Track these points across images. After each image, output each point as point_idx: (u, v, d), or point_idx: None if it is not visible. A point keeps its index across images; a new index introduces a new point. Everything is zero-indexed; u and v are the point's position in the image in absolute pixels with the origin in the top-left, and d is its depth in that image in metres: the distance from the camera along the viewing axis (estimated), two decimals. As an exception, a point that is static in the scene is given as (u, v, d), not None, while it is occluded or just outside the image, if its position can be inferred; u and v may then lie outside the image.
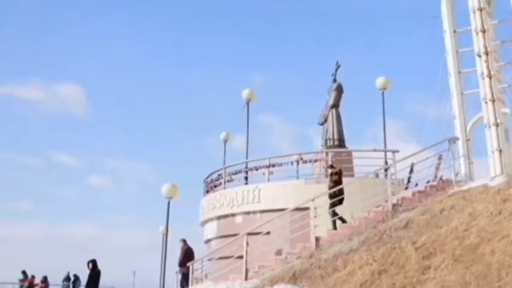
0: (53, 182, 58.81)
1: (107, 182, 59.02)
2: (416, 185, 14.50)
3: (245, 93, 20.39)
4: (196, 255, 15.10)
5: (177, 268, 15.21)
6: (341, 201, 12.64)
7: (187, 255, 14.86)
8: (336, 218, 12.67)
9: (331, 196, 12.66)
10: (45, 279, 22.55)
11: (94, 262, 14.36)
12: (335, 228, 12.55)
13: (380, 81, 18.76)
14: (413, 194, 12.86)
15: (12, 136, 56.77)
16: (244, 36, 59.33)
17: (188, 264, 13.91)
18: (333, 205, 12.64)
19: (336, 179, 13.01)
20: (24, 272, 23.39)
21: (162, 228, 20.97)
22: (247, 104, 20.25)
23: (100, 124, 57.46)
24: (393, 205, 12.13)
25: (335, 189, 12.69)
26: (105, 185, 58.06)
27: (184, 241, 15.31)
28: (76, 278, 26.42)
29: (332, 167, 13.70)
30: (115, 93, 58.01)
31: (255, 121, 20.23)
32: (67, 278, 26.19)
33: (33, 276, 22.20)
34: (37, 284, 22.28)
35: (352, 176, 15.74)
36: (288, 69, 60.22)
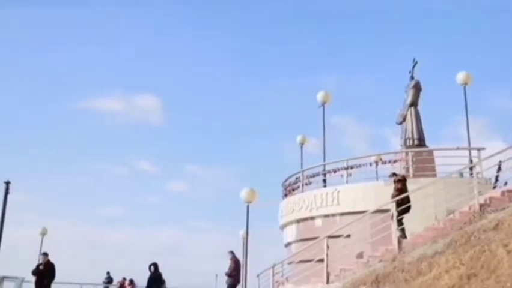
0: (137, 189, 61.46)
1: (186, 188, 60.81)
2: (505, 183, 13.72)
3: (320, 95, 20.27)
4: (276, 259, 15.19)
5: (257, 271, 15.38)
6: (407, 210, 12.14)
7: (237, 267, 15.17)
8: (403, 226, 12.17)
9: (397, 205, 12.25)
10: (131, 282, 23.53)
11: (155, 265, 14.94)
12: (404, 236, 12.10)
13: (460, 76, 17.96)
14: (502, 193, 12.17)
15: (95, 147, 59.97)
16: (315, 38, 59.08)
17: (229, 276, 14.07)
18: (400, 213, 12.23)
19: (400, 186, 12.54)
20: (108, 273, 24.50)
21: (242, 232, 21.27)
22: (323, 106, 20.12)
23: (176, 132, 59.38)
24: (481, 205, 11.55)
25: (399, 197, 12.27)
26: (184, 191, 59.85)
27: (232, 253, 15.55)
28: (163, 280, 27.43)
29: (394, 174, 13.30)
30: (190, 101, 59.74)
31: (328, 123, 20.01)
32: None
33: (124, 279, 23.28)
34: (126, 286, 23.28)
35: (434, 175, 15.20)
36: (359, 69, 59.20)
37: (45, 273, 13.62)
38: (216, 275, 29.35)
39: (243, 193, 16.56)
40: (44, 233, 25.44)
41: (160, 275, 15.04)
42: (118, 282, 23.31)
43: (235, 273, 15.22)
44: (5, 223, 10.88)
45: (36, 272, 13.72)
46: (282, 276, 15.54)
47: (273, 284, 13.76)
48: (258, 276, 15.59)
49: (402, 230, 12.10)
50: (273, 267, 14.05)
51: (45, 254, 14.08)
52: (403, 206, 11.97)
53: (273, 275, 13.96)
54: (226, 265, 16.01)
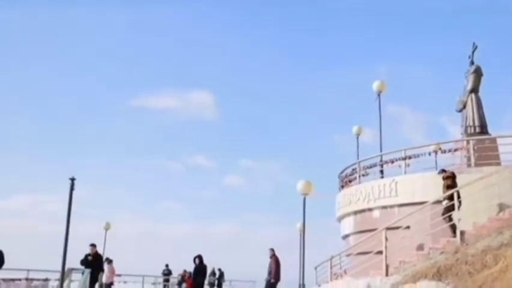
0: (193, 184, 62.66)
1: (241, 182, 61.43)
2: None
3: (376, 84, 19.86)
4: (334, 251, 15.08)
5: (315, 264, 15.35)
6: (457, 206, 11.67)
7: (277, 266, 15.15)
8: (452, 222, 11.73)
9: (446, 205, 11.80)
10: (190, 275, 24.04)
11: (200, 257, 15.05)
12: (454, 234, 11.65)
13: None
14: None
15: (152, 143, 61.51)
16: (367, 29, 57.95)
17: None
18: (447, 210, 11.79)
19: (449, 183, 12.14)
20: (167, 266, 25.10)
21: (299, 224, 21.28)
22: (378, 95, 19.72)
23: (230, 126, 60.02)
24: (550, 195, 11.00)
25: (447, 193, 11.82)
26: (239, 185, 60.47)
27: (273, 250, 15.54)
28: (221, 273, 27.81)
29: (443, 171, 12.84)
30: (242, 96, 60.21)
31: (384, 112, 19.58)
32: (212, 273, 27.69)
33: (185, 271, 23.84)
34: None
35: (498, 164, 14.58)
36: (412, 58, 57.62)
37: (93, 263, 13.93)
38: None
39: (299, 185, 16.54)
40: (107, 228, 26.44)
41: (205, 267, 15.22)
42: (179, 274, 23.89)
43: (275, 272, 15.32)
44: (71, 218, 11.33)
45: (85, 262, 14.02)
46: (340, 268, 15.41)
47: (330, 276, 13.68)
48: (315, 268, 15.55)
49: (452, 227, 11.73)
50: (330, 260, 13.97)
51: (94, 245, 14.40)
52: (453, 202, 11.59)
53: (331, 267, 13.87)
54: (283, 258, 15.96)
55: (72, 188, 11.28)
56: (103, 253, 24.57)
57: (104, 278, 20.27)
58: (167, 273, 24.30)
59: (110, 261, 20.76)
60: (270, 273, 15.41)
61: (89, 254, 14.09)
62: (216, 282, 27.50)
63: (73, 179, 11.32)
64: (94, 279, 14.12)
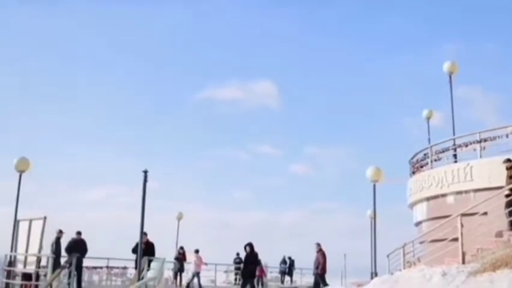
0: (260, 173, 63.22)
1: (307, 170, 61.23)
2: None
3: (446, 65, 19.11)
4: (406, 238, 14.74)
5: (387, 252, 15.06)
6: None
7: (324, 260, 15.31)
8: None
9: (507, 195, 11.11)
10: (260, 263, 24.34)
11: (251, 245, 14.93)
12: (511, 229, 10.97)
13: None
14: None
15: (219, 134, 62.54)
16: (429, 9, 55.68)
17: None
18: (509, 205, 11.09)
19: None
20: (238, 254, 25.44)
21: (369, 212, 20.97)
22: (450, 77, 18.96)
23: (294, 114, 59.87)
24: None
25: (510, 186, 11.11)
26: (306, 173, 60.32)
27: (319, 245, 15.34)
28: (292, 261, 27.93)
29: (509, 160, 12.08)
30: (305, 84, 59.80)
31: (454, 95, 18.82)
32: (283, 261, 27.87)
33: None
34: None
35: None
36: (483, 35, 54.72)
37: (145, 252, 13.77)
38: (344, 255, 29.36)
39: (369, 172, 16.27)
40: (179, 218, 27.25)
41: (256, 255, 15.09)
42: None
43: (323, 265, 15.35)
44: (145, 209, 11.76)
45: (136, 250, 13.95)
46: (413, 256, 15.05)
47: (403, 264, 13.38)
48: (387, 256, 15.25)
49: (510, 223, 11.11)
50: (403, 247, 13.66)
51: (145, 234, 14.14)
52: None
53: (404, 255, 13.56)
54: (354, 245, 15.89)
55: (145, 180, 11.67)
56: (176, 243, 25.43)
57: (192, 267, 21.05)
58: (238, 261, 24.69)
59: (197, 251, 21.49)
60: (317, 267, 15.44)
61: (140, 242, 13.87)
62: (287, 270, 27.65)
63: (145, 172, 11.71)
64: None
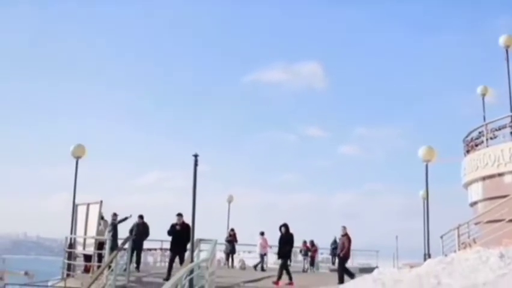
0: (309, 155, 63.06)
1: (356, 151, 60.59)
2: None
3: (502, 39, 18.31)
4: (461, 219, 14.39)
5: (440, 233, 14.78)
6: None
7: (349, 244, 15.27)
8: None
9: None
10: (312, 243, 24.34)
11: (286, 226, 14.80)
12: None
13: None
14: None
15: (266, 117, 62.66)
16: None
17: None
18: None
19: None
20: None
21: (422, 192, 20.54)
22: (506, 51, 18.16)
23: (341, 96, 59.11)
24: None
25: None
26: (355, 154, 59.69)
27: (345, 228, 15.45)
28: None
29: None
30: (351, 65, 58.84)
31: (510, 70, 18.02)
32: (334, 242, 27.76)
33: (305, 241, 24.22)
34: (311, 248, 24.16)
35: None
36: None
37: (181, 233, 13.88)
38: (396, 237, 28.94)
39: (421, 152, 15.93)
40: (230, 200, 27.59)
41: (291, 235, 15.00)
42: (303, 244, 24.33)
43: (348, 249, 15.47)
44: (197, 193, 11.97)
45: (172, 232, 14.06)
46: (468, 237, 14.67)
47: (458, 246, 13.09)
48: (441, 237, 14.94)
49: None
50: (458, 228, 13.35)
51: (181, 215, 14.22)
52: None
53: (458, 236, 13.27)
54: (406, 226, 15.70)
55: (196, 164, 11.84)
56: (227, 225, 25.79)
57: (258, 249, 21.44)
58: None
59: (262, 233, 21.83)
60: (342, 249, 15.39)
61: (176, 224, 14.10)
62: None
63: (196, 156, 11.87)
64: (181, 249, 14.17)
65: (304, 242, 24.19)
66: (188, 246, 12.57)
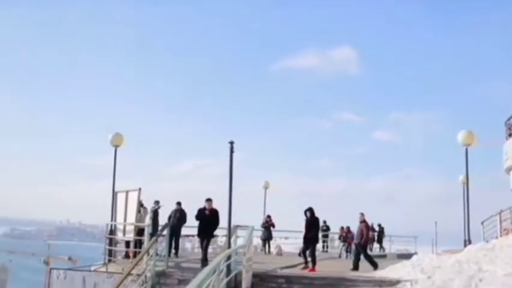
0: (344, 140, 62.51)
1: (392, 136, 59.64)
2: None
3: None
4: (502, 205, 14.05)
5: (481, 218, 14.48)
6: None
7: (367, 231, 15.23)
8: None
9: None
10: (349, 230, 24.21)
11: (311, 210, 14.54)
12: None
13: None
14: None
15: (300, 103, 62.28)
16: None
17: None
18: None
19: None
20: (325, 222, 25.42)
21: (461, 177, 20.11)
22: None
23: (376, 80, 58.12)
24: None
25: None
26: (391, 139, 58.79)
27: (363, 215, 15.27)
28: (382, 228, 27.50)
29: None
30: (385, 49, 57.71)
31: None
32: (372, 229, 27.53)
33: (342, 227, 24.13)
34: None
35: None
36: None
37: (210, 218, 13.78)
38: (435, 222, 28.45)
39: (461, 136, 15.59)
40: (266, 187, 27.66)
41: (317, 220, 14.76)
42: (341, 229, 24.24)
43: (366, 236, 15.28)
44: (233, 180, 12.04)
45: (200, 216, 13.86)
46: (511, 223, 14.32)
47: (500, 232, 12.82)
48: (482, 223, 14.65)
49: None
50: (499, 214, 13.05)
51: (210, 200, 14.05)
52: None
53: (500, 222, 12.99)
54: (444, 212, 15.44)
55: (232, 151, 11.91)
56: (263, 211, 25.91)
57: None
58: (325, 229, 24.79)
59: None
60: (360, 237, 15.19)
61: (204, 209, 13.93)
62: (376, 237, 27.33)
63: (231, 142, 11.93)
64: (209, 235, 14.16)
65: (342, 228, 24.09)
66: (225, 232, 12.68)
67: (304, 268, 14.20)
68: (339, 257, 22.93)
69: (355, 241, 15.85)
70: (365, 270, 14.09)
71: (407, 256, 18.43)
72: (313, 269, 14.08)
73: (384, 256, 23.05)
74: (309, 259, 14.42)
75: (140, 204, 15.91)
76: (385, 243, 27.68)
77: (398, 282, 12.04)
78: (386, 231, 27.89)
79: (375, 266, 14.70)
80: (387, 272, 13.63)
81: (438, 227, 28.05)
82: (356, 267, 14.72)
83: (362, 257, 15.09)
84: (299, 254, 20.72)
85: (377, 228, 27.45)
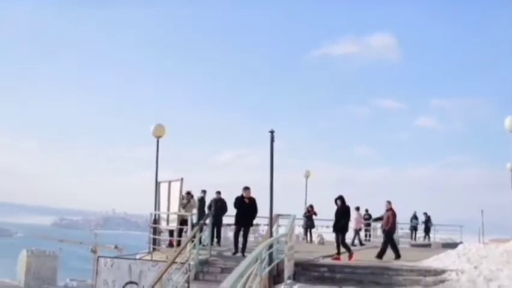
0: (384, 128, 61.41)
1: (434, 123, 58.23)
2: None
3: None
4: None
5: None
6: None
7: (394, 220, 15.00)
8: None
9: None
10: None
11: (342, 198, 14.22)
12: None
13: None
14: None
15: (339, 91, 61.48)
16: None
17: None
18: None
19: None
20: (367, 211, 25.15)
21: (509, 164, 19.51)
22: None
23: (416, 67, 56.67)
24: None
25: None
26: (433, 126, 57.38)
27: (390, 203, 15.08)
28: (428, 217, 26.95)
29: None
30: (426, 35, 56.07)
31: None
32: (414, 217, 27.06)
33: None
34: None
35: None
36: None
37: (249, 207, 13.70)
38: (482, 211, 27.72)
39: (508, 122, 15.10)
40: (307, 175, 27.56)
41: (348, 208, 14.41)
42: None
43: (392, 223, 15.06)
44: (273, 169, 12.06)
45: (239, 205, 13.76)
46: None
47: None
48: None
49: None
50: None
51: (248, 188, 13.88)
52: None
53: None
54: (490, 200, 14.98)
55: (272, 140, 11.92)
56: (305, 200, 25.84)
57: (353, 224, 21.54)
58: (367, 217, 24.54)
59: (357, 208, 21.88)
60: (387, 224, 14.97)
61: (242, 197, 13.80)
62: (423, 226, 26.85)
63: (272, 132, 11.93)
64: (248, 223, 14.10)
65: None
66: (267, 221, 12.74)
67: (335, 258, 14.02)
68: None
69: (383, 228, 15.71)
70: (408, 260, 13.89)
71: (452, 245, 18.05)
72: (351, 257, 14.01)
73: (428, 245, 22.66)
74: (343, 249, 14.31)
75: (189, 194, 16.16)
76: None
77: (443, 271, 11.83)
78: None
79: (398, 255, 14.44)
80: (432, 261, 13.40)
81: (484, 216, 27.33)
82: (380, 255, 14.57)
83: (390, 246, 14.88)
84: (352, 244, 20.51)
85: (423, 218, 26.96)
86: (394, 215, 15.17)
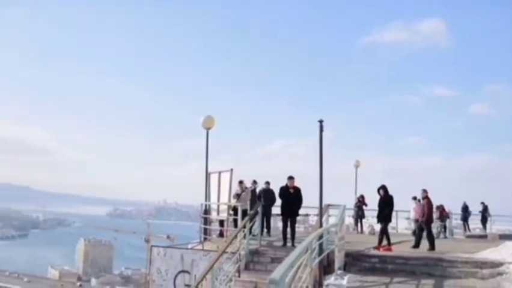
0: (436, 116, 59.69)
1: (489, 110, 56.05)
2: None
3: None
4: None
5: None
6: None
7: (430, 210, 14.66)
8: None
9: None
10: (443, 208, 23.23)
11: (384, 188, 13.73)
12: None
13: None
14: None
15: (387, 79, 60.16)
16: None
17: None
18: None
19: None
20: (415, 198, 24.56)
21: None
22: None
23: (468, 52, 54.57)
24: None
25: None
26: (489, 113, 55.30)
27: (426, 191, 14.66)
28: (485, 206, 26.02)
29: None
30: (476, 20, 53.74)
31: None
32: (465, 208, 26.20)
33: (438, 207, 23.22)
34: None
35: None
36: None
37: (294, 196, 13.58)
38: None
39: None
40: (357, 165, 27.21)
41: (391, 197, 13.92)
42: (437, 209, 23.41)
43: (428, 213, 14.56)
44: (323, 159, 11.98)
45: (284, 195, 13.61)
46: None
47: None
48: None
49: None
50: None
51: (292, 178, 13.71)
52: None
53: None
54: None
55: (321, 130, 11.83)
56: (355, 190, 25.53)
57: (412, 214, 21.28)
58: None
59: (415, 198, 21.61)
60: (423, 214, 14.55)
61: (287, 187, 13.67)
62: (480, 216, 26.01)
63: (321, 121, 11.85)
64: (295, 214, 14.01)
65: (438, 207, 23.18)
66: (317, 211, 12.68)
67: (376, 248, 13.73)
68: (437, 237, 22.12)
69: (419, 218, 15.29)
70: (463, 251, 13.51)
71: (510, 237, 17.40)
72: (389, 248, 13.64)
73: (484, 236, 21.94)
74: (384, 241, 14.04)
75: (242, 183, 16.27)
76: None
77: (500, 264, 11.43)
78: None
79: (433, 247, 14.01)
80: (488, 253, 12.97)
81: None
82: (416, 245, 14.29)
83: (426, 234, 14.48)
84: (413, 233, 20.04)
85: (480, 208, 26.09)
86: (430, 204, 14.71)
